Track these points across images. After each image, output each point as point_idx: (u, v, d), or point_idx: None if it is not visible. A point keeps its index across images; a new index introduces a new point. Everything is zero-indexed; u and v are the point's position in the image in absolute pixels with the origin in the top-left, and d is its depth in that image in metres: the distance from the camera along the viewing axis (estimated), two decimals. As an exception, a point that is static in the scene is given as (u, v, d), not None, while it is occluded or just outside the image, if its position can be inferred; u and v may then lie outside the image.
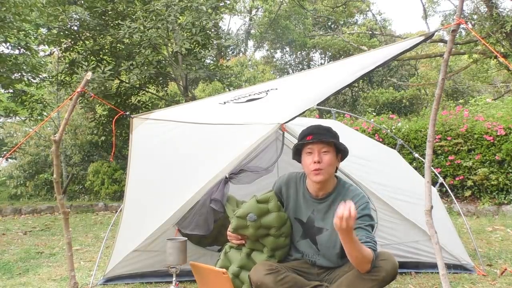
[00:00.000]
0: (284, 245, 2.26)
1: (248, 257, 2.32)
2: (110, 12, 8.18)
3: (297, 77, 3.12)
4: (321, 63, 20.07)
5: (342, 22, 18.80)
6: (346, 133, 3.86)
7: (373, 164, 3.21)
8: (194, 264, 2.40)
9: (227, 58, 17.23)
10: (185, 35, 7.92)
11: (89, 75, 2.11)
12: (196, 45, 8.15)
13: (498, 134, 5.92)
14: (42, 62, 8.73)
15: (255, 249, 2.32)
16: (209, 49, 8.67)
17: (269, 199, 2.26)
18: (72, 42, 8.57)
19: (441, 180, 3.95)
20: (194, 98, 8.85)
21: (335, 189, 2.16)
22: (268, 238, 2.23)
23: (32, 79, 8.55)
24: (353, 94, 17.40)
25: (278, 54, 21.56)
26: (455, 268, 3.00)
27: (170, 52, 8.12)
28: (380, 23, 17.93)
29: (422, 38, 1.97)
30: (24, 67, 8.07)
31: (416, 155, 4.25)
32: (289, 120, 2.72)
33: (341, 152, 2.16)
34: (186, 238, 2.40)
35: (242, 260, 2.31)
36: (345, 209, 1.74)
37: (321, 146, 2.09)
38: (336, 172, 2.22)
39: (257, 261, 2.26)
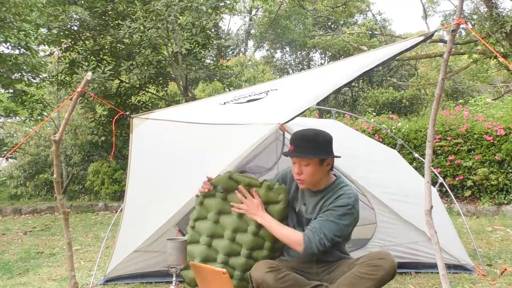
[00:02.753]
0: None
1: (209, 247, 2.38)
2: (110, 12, 8.18)
3: (297, 77, 3.13)
4: (321, 63, 20.06)
5: (342, 22, 18.80)
6: (346, 133, 3.88)
7: (373, 164, 3.21)
8: (194, 264, 2.40)
9: (227, 58, 17.22)
10: (185, 35, 7.92)
11: (89, 75, 2.11)
12: (196, 45, 8.14)
13: (498, 134, 5.92)
14: (42, 62, 8.72)
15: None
16: (209, 49, 8.67)
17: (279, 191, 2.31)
18: (72, 42, 8.57)
19: (441, 180, 3.95)
20: (194, 98, 8.84)
21: (329, 186, 2.20)
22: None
23: (32, 79, 8.54)
24: (353, 94, 17.40)
25: (278, 54, 21.58)
26: (455, 268, 3.00)
27: (170, 52, 8.12)
28: (380, 23, 17.94)
29: (422, 38, 1.98)
30: (24, 67, 8.07)
31: (416, 155, 4.25)
32: (289, 120, 2.72)
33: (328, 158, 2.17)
34: (186, 238, 2.40)
35: (203, 252, 2.37)
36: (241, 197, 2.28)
37: (300, 159, 2.13)
38: (331, 170, 2.24)
39: (226, 224, 2.36)
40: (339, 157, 2.19)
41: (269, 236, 2.28)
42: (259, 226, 2.29)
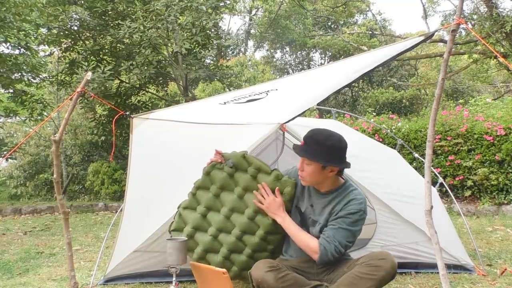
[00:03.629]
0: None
1: (204, 218, 2.41)
2: (110, 12, 8.18)
3: (297, 77, 3.13)
4: (321, 63, 20.06)
5: (342, 22, 18.80)
6: (346, 133, 3.87)
7: (373, 165, 3.20)
8: (194, 264, 2.40)
9: (227, 58, 17.23)
10: (185, 35, 7.92)
11: (89, 75, 2.11)
12: (196, 45, 8.15)
13: (498, 134, 5.92)
14: (42, 62, 8.72)
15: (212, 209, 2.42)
16: (209, 49, 8.67)
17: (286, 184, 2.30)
18: (72, 42, 8.57)
19: (441, 180, 3.95)
20: (194, 98, 8.85)
21: (337, 189, 2.20)
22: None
23: (32, 79, 8.54)
24: (353, 94, 17.40)
25: (278, 54, 21.59)
26: (455, 268, 3.00)
27: (170, 52, 8.12)
28: (380, 23, 17.95)
29: (422, 38, 1.98)
30: (24, 67, 8.07)
31: (416, 155, 4.25)
32: (289, 120, 2.72)
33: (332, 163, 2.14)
34: (186, 238, 2.40)
35: (196, 221, 2.40)
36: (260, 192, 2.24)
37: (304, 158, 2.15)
38: (341, 174, 2.23)
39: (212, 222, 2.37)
40: (348, 166, 2.16)
41: (264, 225, 2.28)
42: (257, 212, 2.30)
